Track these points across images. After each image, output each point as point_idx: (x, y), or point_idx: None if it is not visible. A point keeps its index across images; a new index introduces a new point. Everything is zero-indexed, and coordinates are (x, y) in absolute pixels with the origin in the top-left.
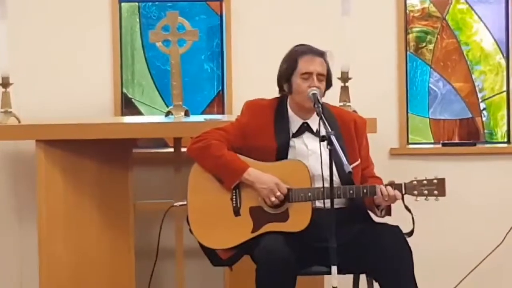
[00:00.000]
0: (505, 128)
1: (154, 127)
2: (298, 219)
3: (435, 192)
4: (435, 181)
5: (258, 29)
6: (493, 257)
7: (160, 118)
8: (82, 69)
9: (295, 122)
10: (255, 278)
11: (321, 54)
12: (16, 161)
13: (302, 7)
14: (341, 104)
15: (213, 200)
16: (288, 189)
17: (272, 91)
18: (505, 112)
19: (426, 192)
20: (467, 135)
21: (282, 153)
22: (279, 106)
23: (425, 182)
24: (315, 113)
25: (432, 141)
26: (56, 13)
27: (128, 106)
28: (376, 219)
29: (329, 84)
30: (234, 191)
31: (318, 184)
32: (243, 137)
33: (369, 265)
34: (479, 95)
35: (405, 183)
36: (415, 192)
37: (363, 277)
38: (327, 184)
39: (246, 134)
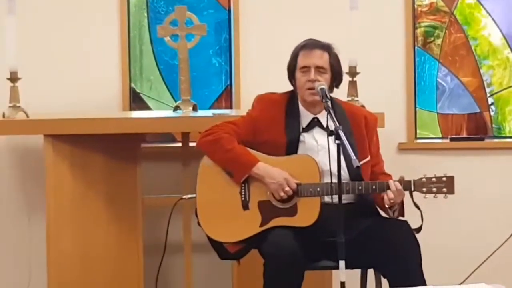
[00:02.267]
0: None
1: (162, 122)
2: (307, 214)
3: (444, 189)
4: (444, 178)
5: (266, 24)
6: (502, 251)
7: (168, 113)
8: (90, 64)
9: (305, 117)
10: (263, 272)
11: (321, 46)
12: (24, 156)
13: (310, 2)
14: (349, 99)
15: (222, 193)
16: (297, 184)
17: (280, 86)
18: None
19: (435, 189)
20: (475, 130)
21: (292, 147)
22: (289, 101)
23: (434, 179)
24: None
25: (440, 136)
26: (64, 8)
27: (136, 100)
28: (385, 214)
29: (337, 78)
30: (243, 185)
31: (327, 179)
32: (253, 131)
33: (377, 260)
34: (487, 90)
35: (414, 180)
36: (424, 189)
37: (371, 272)
38: (335, 179)
39: (257, 128)
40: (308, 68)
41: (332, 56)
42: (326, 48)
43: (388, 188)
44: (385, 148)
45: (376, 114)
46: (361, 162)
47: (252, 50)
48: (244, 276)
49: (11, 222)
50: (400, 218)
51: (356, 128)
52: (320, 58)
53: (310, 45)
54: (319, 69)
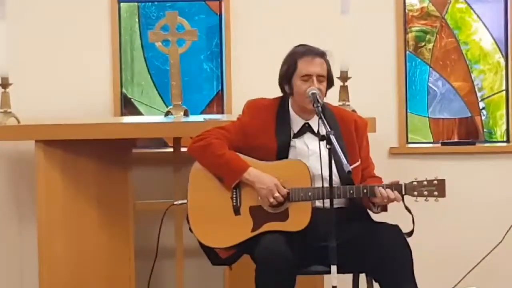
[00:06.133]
0: (504, 127)
1: (153, 127)
2: (298, 218)
3: (435, 193)
4: (435, 182)
5: (257, 29)
6: (493, 256)
7: (159, 118)
8: (81, 69)
9: (296, 122)
10: (254, 277)
11: (321, 54)
12: (15, 162)
13: (301, 7)
14: (341, 103)
15: (213, 198)
16: (288, 189)
17: (271, 91)
18: (504, 111)
19: (426, 193)
20: (466, 134)
21: (282, 153)
22: (280, 106)
23: (425, 183)
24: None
25: (432, 140)
26: (55, 13)
27: (127, 106)
28: (376, 218)
29: (330, 84)
30: (234, 190)
31: (318, 184)
32: (244, 136)
33: (368, 264)
34: (478, 94)
35: (405, 184)
36: (415, 193)
37: (362, 277)
38: (326, 184)
39: (247, 134)
40: (310, 77)
41: (328, 64)
42: (324, 56)
43: (378, 193)
44: (376, 152)
45: (367, 119)
46: (352, 166)
47: (243, 55)
48: (236, 281)
49: (2, 228)
50: (392, 223)
51: (346, 132)
52: (321, 67)
53: (311, 52)
54: (319, 77)
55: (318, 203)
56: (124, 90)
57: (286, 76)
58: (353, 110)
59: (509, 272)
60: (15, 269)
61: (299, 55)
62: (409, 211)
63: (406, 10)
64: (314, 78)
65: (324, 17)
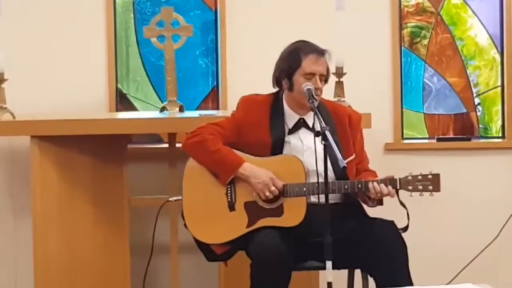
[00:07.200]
0: (499, 123)
1: (148, 123)
2: (293, 214)
3: (430, 187)
4: (430, 176)
5: (253, 25)
6: (488, 251)
7: (154, 114)
8: (76, 65)
9: (291, 118)
10: (249, 273)
11: (324, 53)
12: (10, 157)
13: (296, 2)
14: (336, 99)
15: (208, 195)
16: (283, 184)
17: (266, 87)
18: (499, 107)
19: (420, 187)
20: (461, 130)
21: (277, 148)
22: (274, 102)
23: (420, 177)
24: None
25: (427, 136)
26: (50, 9)
27: (122, 101)
28: (371, 213)
29: (325, 82)
30: (229, 186)
31: (313, 180)
32: (238, 132)
33: (364, 260)
34: (474, 90)
35: (399, 178)
36: (410, 188)
37: (358, 272)
38: (321, 179)
39: (241, 129)
40: (313, 75)
41: (327, 63)
42: (326, 55)
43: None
44: (371, 148)
45: (362, 114)
46: (346, 161)
47: (239, 51)
48: (231, 277)
49: None
50: (387, 219)
51: (340, 127)
52: (324, 66)
53: (315, 51)
54: (321, 76)
55: (313, 199)
56: (119, 86)
57: (288, 71)
58: (349, 106)
59: (505, 268)
60: (10, 265)
61: (304, 53)
62: (404, 206)
63: (402, 6)
64: (317, 77)
65: (320, 13)
